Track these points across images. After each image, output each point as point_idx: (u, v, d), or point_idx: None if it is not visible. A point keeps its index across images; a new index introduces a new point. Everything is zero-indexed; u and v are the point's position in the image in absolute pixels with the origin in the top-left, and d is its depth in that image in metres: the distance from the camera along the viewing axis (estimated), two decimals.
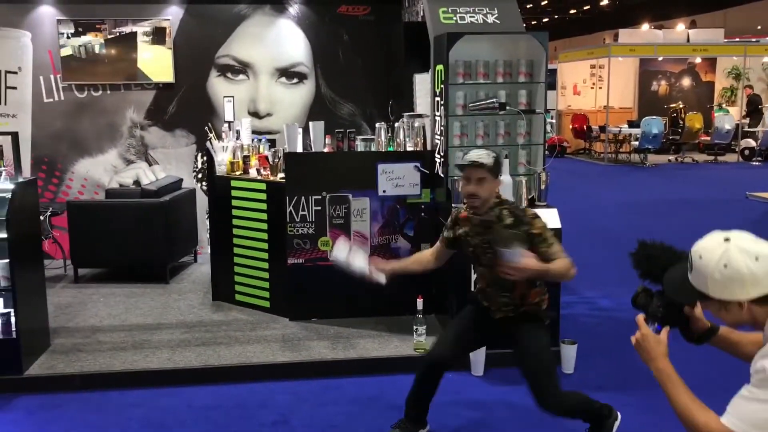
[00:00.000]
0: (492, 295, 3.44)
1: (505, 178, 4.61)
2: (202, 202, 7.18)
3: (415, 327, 4.64)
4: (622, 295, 6.12)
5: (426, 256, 3.68)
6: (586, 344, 4.76)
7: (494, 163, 3.30)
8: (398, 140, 5.23)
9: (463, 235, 3.45)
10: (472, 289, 3.65)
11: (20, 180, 4.47)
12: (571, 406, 3.39)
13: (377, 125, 5.33)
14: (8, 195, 4.25)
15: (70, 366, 4.48)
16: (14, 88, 7.08)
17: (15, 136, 4.60)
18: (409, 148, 5.23)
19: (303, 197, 5.12)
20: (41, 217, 5.64)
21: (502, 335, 3.50)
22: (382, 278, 3.48)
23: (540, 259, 3.19)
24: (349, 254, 3.47)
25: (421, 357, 3.57)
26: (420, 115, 5.43)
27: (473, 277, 3.68)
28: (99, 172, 7.31)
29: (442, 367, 3.54)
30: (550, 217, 4.60)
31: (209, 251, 6.92)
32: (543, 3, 35.16)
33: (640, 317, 2.16)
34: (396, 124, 5.33)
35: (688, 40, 18.37)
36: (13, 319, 4.32)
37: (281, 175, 5.32)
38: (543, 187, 4.75)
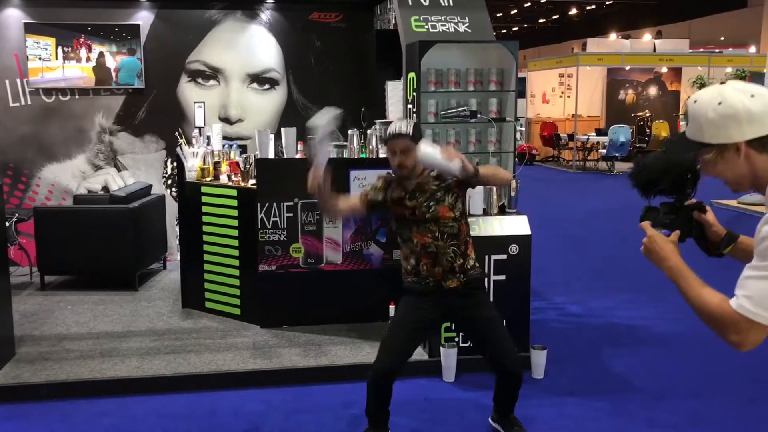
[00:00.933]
0: (442, 251, 3.42)
1: None
2: (171, 208, 7.11)
3: (384, 332, 4.64)
4: (591, 301, 6.24)
5: (347, 203, 3.63)
6: (556, 350, 4.81)
7: (414, 131, 3.39)
8: (371, 147, 5.24)
9: (397, 199, 3.47)
10: (403, 276, 3.59)
11: None
12: (521, 365, 3.67)
13: (350, 132, 5.34)
14: None
15: (36, 375, 4.40)
16: None
17: None
18: (381, 155, 5.23)
19: (275, 203, 5.10)
20: (6, 224, 5.54)
21: (456, 308, 3.52)
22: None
23: (458, 211, 3.45)
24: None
25: (374, 371, 3.48)
26: (392, 122, 5.43)
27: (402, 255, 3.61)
28: (67, 177, 7.20)
29: (393, 378, 3.51)
30: (520, 225, 4.67)
31: (178, 258, 6.87)
32: (513, 12, 35.51)
33: (646, 222, 2.02)
34: (368, 131, 5.34)
35: (654, 50, 18.73)
36: None
37: (252, 181, 5.30)
38: (513, 194, 4.79)
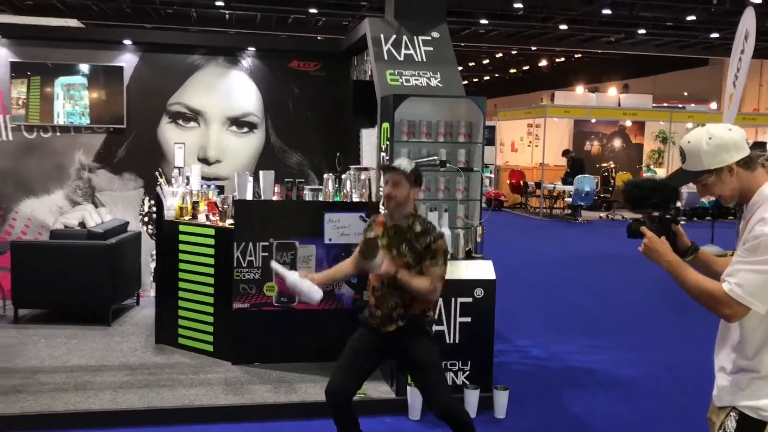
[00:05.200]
0: (385, 297, 3.61)
1: (444, 230, 4.91)
2: (147, 245, 7.25)
3: None
4: (553, 345, 6.48)
5: (346, 264, 3.86)
6: (517, 391, 5.02)
7: (412, 172, 3.60)
8: (345, 191, 5.49)
9: (373, 237, 3.65)
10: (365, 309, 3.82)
11: None
12: (455, 412, 3.69)
13: (325, 176, 5.58)
14: None
15: (11, 407, 4.48)
16: None
17: None
18: (355, 199, 5.48)
19: (251, 243, 5.29)
20: None
21: (393, 350, 3.72)
22: (318, 294, 3.61)
23: (414, 271, 3.54)
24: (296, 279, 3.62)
25: (326, 392, 3.68)
26: (366, 168, 5.71)
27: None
28: (44, 212, 7.31)
29: (346, 396, 3.70)
30: (485, 269, 4.92)
31: (152, 294, 7.00)
32: (485, 62, 36.46)
33: (644, 228, 2.46)
34: (343, 176, 5.59)
35: (619, 105, 19.42)
36: None
37: (230, 221, 5.49)
38: (479, 240, 5.05)
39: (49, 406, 4.52)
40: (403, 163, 3.66)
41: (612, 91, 27.70)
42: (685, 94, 29.08)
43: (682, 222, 3.79)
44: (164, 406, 4.59)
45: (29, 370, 5.16)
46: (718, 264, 2.54)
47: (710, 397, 2.49)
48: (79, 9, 19.46)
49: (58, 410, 4.46)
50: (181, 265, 5.72)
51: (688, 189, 17.68)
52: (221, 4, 17.90)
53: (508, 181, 19.27)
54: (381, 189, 3.75)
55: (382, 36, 5.80)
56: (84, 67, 7.22)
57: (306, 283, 3.61)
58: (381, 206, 3.78)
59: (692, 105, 21.91)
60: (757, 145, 20.27)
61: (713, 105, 23.81)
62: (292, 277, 3.63)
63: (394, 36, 5.82)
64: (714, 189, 2.41)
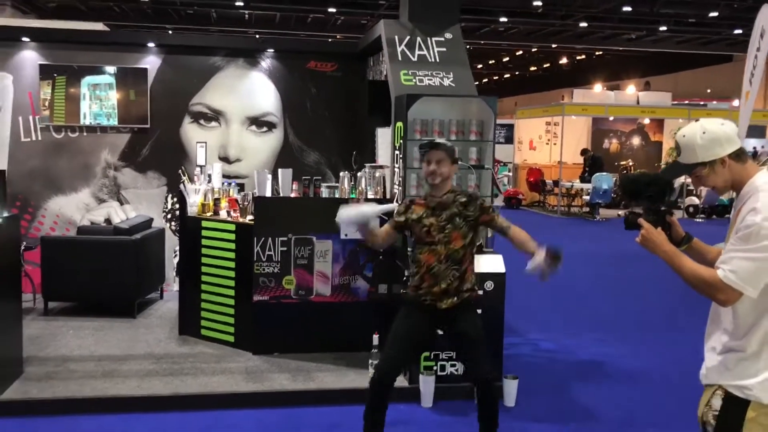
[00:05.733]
0: (444, 273, 3.83)
1: None
2: (170, 241, 7.51)
3: (370, 361, 5.00)
4: (564, 339, 6.62)
5: (384, 233, 4.07)
6: (527, 381, 5.18)
7: (450, 148, 3.87)
8: (360, 188, 5.68)
9: (416, 218, 3.90)
10: (408, 286, 4.01)
11: (5, 215, 4.78)
12: (495, 389, 4.00)
13: (341, 174, 5.78)
14: None
15: (43, 392, 4.73)
16: None
17: (2, 174, 4.91)
18: (370, 196, 5.67)
19: (270, 238, 5.50)
20: None
21: (445, 325, 3.93)
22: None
23: (468, 239, 3.88)
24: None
25: (378, 370, 3.89)
26: (381, 166, 5.89)
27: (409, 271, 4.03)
28: (71, 209, 7.60)
29: (396, 375, 3.93)
30: (496, 263, 5.08)
31: (175, 288, 7.25)
32: (505, 60, 36.50)
33: (641, 220, 2.62)
34: (359, 174, 5.78)
35: (638, 102, 19.41)
36: None
37: (250, 217, 5.71)
38: (490, 235, 5.22)
39: (79, 391, 4.77)
40: (441, 139, 3.92)
41: (631, 89, 27.66)
42: (708, 91, 28.92)
43: (701, 215, 3.96)
44: (188, 392, 4.82)
45: (59, 358, 5.42)
46: (711, 252, 2.70)
47: None
48: (100, 10, 19.86)
49: (88, 395, 4.71)
50: (204, 260, 5.94)
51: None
52: (241, 4, 18.17)
53: (526, 179, 19.35)
54: (423, 167, 3.95)
55: (396, 37, 5.98)
56: (110, 69, 7.48)
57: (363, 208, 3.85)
58: (426, 182, 3.97)
59: (714, 102, 21.80)
60: None
61: (735, 102, 23.68)
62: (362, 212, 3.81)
63: (408, 37, 5.99)
64: (707, 180, 2.55)
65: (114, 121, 7.52)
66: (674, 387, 5.44)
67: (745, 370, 2.41)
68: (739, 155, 2.51)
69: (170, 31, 24.49)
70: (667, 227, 2.67)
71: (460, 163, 5.33)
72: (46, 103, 7.42)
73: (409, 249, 4.27)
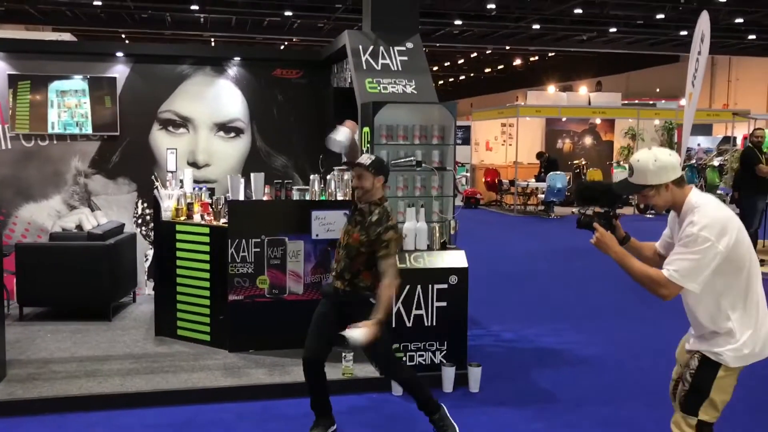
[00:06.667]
0: (339, 262, 4.37)
1: (421, 225, 5.43)
2: (141, 245, 7.68)
3: (343, 354, 5.30)
4: (523, 329, 7.02)
5: None
6: (490, 369, 5.54)
7: (371, 163, 4.27)
8: (330, 190, 5.97)
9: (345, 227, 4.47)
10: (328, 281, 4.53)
11: None
12: (406, 378, 4.47)
13: (311, 177, 6.06)
14: None
15: (29, 392, 4.91)
16: None
17: None
18: (339, 198, 5.96)
19: (244, 240, 5.75)
20: None
21: (342, 315, 4.34)
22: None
23: (363, 250, 4.27)
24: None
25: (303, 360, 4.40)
26: (348, 168, 6.19)
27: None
28: (43, 216, 7.71)
29: (318, 361, 4.42)
30: (458, 259, 5.43)
31: (147, 292, 7.46)
32: (460, 62, 37.12)
33: (596, 225, 3.16)
34: (328, 176, 6.07)
35: (589, 103, 20.08)
36: None
37: (223, 220, 5.95)
38: (453, 232, 5.57)
39: (64, 390, 4.96)
40: (364, 158, 4.37)
41: (583, 90, 28.46)
42: (657, 90, 29.92)
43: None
44: (169, 388, 5.05)
45: (41, 361, 5.59)
46: (644, 248, 3.37)
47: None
48: (52, 15, 19.62)
49: (73, 393, 4.90)
50: (179, 262, 6.16)
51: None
52: (196, 7, 18.19)
53: (483, 179, 19.84)
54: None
55: (360, 47, 6.30)
56: (79, 78, 7.63)
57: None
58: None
59: (663, 102, 22.62)
60: (726, 140, 21.13)
61: (683, 101, 24.61)
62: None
63: (371, 47, 6.31)
64: (651, 199, 3.10)
65: (87, 129, 7.66)
66: (627, 369, 5.87)
67: (717, 341, 3.01)
68: (680, 182, 3.05)
69: (123, 35, 24.35)
70: (613, 229, 3.22)
71: (424, 165, 5.71)
72: (17, 112, 7.51)
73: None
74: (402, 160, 5.70)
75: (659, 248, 3.35)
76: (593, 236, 3.16)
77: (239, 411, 4.89)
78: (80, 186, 7.80)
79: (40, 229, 7.70)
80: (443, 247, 5.52)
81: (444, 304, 5.34)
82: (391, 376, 4.73)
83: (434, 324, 5.33)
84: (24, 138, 7.60)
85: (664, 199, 3.06)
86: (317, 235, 5.80)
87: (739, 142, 20.02)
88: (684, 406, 3.07)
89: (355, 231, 4.29)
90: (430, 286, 5.29)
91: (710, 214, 2.94)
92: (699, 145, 22.43)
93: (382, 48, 6.33)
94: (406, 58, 6.34)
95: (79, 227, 7.71)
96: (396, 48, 6.38)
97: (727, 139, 21.16)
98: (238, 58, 8.04)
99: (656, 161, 3.01)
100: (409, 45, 6.43)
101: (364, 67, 6.17)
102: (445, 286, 5.33)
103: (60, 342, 6.10)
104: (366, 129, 5.73)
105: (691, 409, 3.04)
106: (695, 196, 3.04)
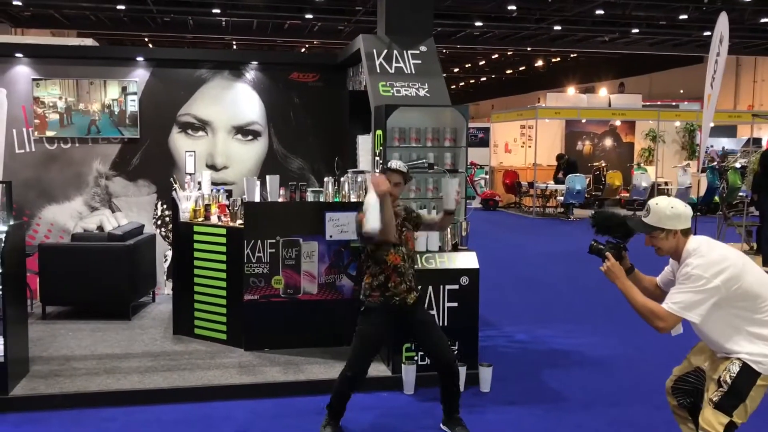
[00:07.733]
0: (407, 269, 4.41)
1: None
2: (160, 246, 7.84)
3: None
4: (536, 330, 7.05)
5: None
6: (501, 369, 5.60)
7: (406, 173, 4.49)
8: (343, 192, 6.06)
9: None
10: (366, 293, 4.48)
11: (11, 223, 5.11)
12: (455, 364, 4.55)
13: (325, 179, 6.16)
14: (2, 236, 4.88)
15: (51, 387, 5.06)
16: None
17: (8, 184, 5.24)
18: (353, 200, 6.05)
19: (259, 241, 5.86)
20: None
21: (406, 320, 4.48)
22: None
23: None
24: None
25: (355, 375, 4.46)
26: (362, 171, 6.29)
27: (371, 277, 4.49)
28: (65, 217, 7.90)
29: (361, 381, 4.55)
30: (470, 260, 5.50)
31: (166, 292, 7.60)
32: (481, 63, 37.07)
33: (609, 254, 3.49)
34: (342, 179, 6.17)
35: (609, 105, 19.98)
36: (1, 346, 4.89)
37: (240, 221, 6.07)
38: (464, 234, 5.63)
39: (84, 386, 5.10)
40: (400, 164, 4.49)
41: (603, 92, 28.29)
42: (681, 91, 29.65)
43: None
44: (186, 385, 5.18)
45: (62, 358, 5.74)
46: (645, 280, 3.71)
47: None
48: (77, 19, 19.96)
49: (93, 389, 5.05)
50: (196, 262, 6.29)
51: (676, 186, 18.31)
52: (218, 11, 18.41)
53: (502, 181, 19.82)
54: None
55: (374, 51, 6.39)
56: (102, 82, 7.80)
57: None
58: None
59: (686, 103, 22.43)
60: (755, 142, 20.91)
61: None
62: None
63: (385, 50, 6.41)
64: (659, 242, 3.40)
65: (116, 132, 7.86)
66: (637, 372, 5.89)
67: (761, 352, 3.27)
68: (686, 232, 3.38)
69: (146, 38, 24.69)
70: (621, 260, 3.54)
71: (436, 167, 5.78)
72: (41, 116, 7.71)
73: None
74: (414, 163, 5.77)
75: (660, 282, 3.66)
76: (603, 264, 3.49)
77: (253, 408, 5.00)
78: (101, 188, 7.97)
79: (62, 230, 7.89)
80: (455, 248, 5.59)
81: (455, 304, 5.40)
82: (457, 368, 4.61)
83: (446, 324, 5.39)
84: (47, 141, 7.79)
85: (669, 244, 3.37)
86: (331, 236, 5.89)
87: (764, 143, 19.81)
88: (719, 405, 3.29)
89: (406, 232, 4.45)
90: (441, 286, 5.36)
91: (704, 255, 3.26)
92: (712, 146, 22.19)
93: (395, 52, 6.42)
94: (419, 61, 6.42)
95: (100, 228, 7.89)
96: (409, 51, 6.46)
97: (755, 141, 20.93)
98: (256, 62, 8.17)
99: (673, 208, 3.36)
100: (423, 48, 6.51)
101: (378, 71, 6.26)
102: (456, 287, 5.39)
103: (80, 340, 6.26)
104: (379, 132, 5.82)
105: (727, 409, 3.27)
106: (692, 242, 3.36)
